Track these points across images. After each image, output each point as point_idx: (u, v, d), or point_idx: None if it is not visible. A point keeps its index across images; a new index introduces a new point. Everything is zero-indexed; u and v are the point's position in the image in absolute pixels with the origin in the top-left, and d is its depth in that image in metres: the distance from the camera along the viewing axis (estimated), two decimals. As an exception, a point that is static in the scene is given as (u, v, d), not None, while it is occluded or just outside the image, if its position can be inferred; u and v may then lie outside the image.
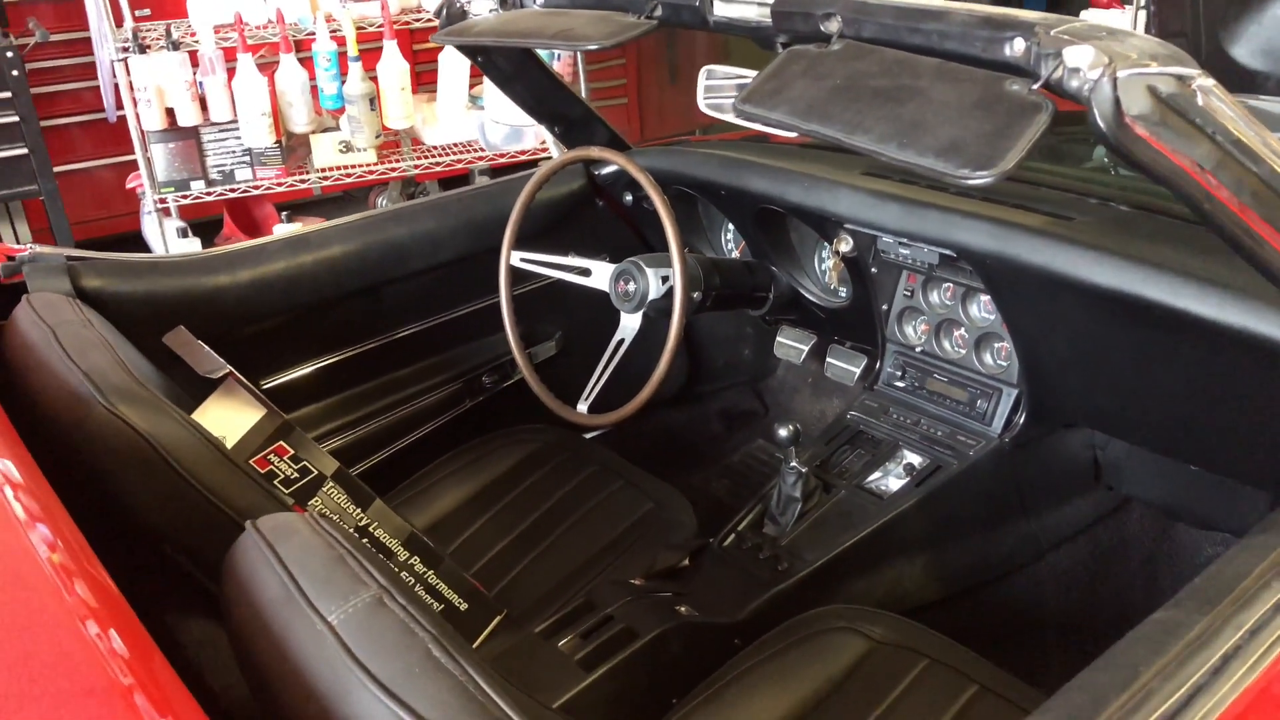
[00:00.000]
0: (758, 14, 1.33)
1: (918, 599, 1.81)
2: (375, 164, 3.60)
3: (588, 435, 2.24)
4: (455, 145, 3.75)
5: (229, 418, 1.47)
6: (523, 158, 3.74)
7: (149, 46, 3.29)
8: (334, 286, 1.95)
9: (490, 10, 1.70)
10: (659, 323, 1.83)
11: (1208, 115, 0.94)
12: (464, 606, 1.62)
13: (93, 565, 0.90)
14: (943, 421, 1.91)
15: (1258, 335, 1.30)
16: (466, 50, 1.82)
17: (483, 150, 3.73)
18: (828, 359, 2.15)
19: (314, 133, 3.52)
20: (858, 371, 2.08)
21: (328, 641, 0.80)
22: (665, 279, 1.81)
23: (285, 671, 0.82)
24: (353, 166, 3.57)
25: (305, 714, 0.79)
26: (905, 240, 1.84)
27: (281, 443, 1.49)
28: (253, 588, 0.89)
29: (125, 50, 3.28)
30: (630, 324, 1.86)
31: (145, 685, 0.76)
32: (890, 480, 1.85)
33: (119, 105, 3.42)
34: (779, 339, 2.28)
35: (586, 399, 1.86)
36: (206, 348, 1.52)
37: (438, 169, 3.75)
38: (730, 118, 1.66)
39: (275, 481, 1.46)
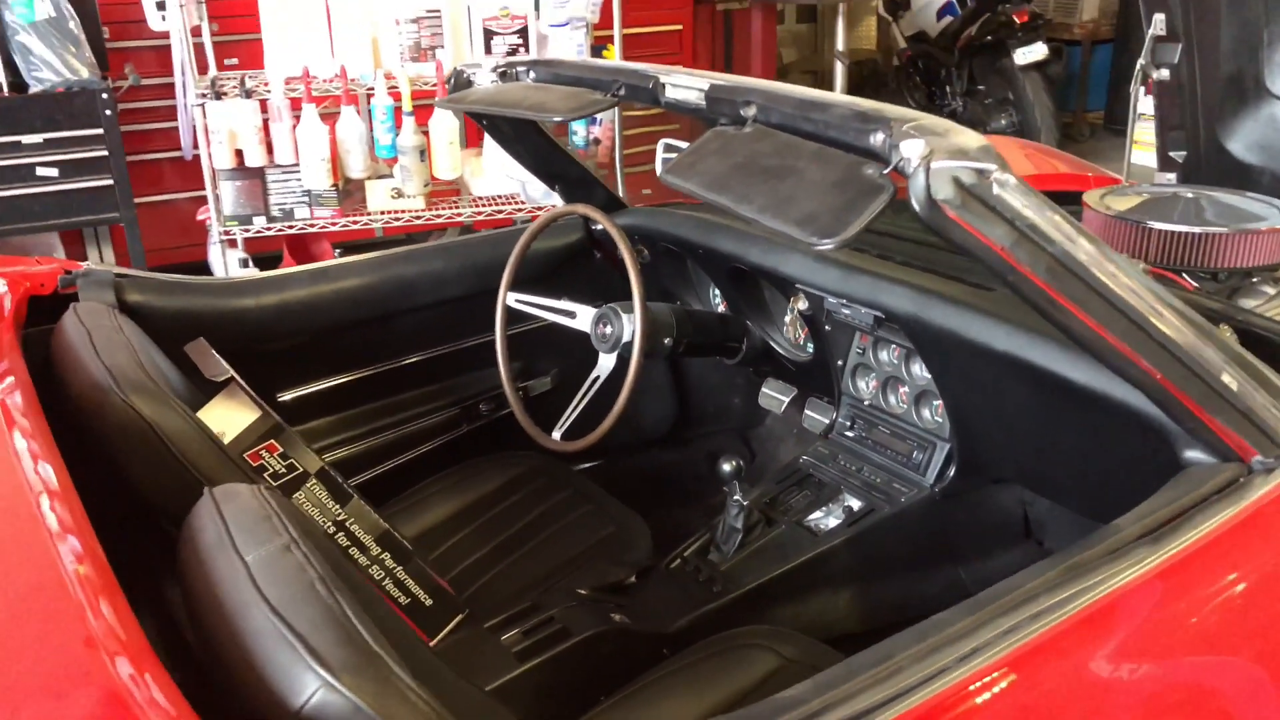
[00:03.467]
0: (697, 97, 1.56)
1: (841, 628, 1.96)
2: (423, 210, 3.88)
3: (578, 467, 2.44)
4: (499, 197, 4.03)
5: (229, 416, 1.70)
6: (560, 211, 3.99)
7: (225, 94, 3.65)
8: (348, 314, 2.19)
9: (491, 82, 1.95)
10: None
11: (1003, 202, 1.13)
12: (429, 602, 1.82)
13: (86, 535, 1.12)
14: (883, 470, 2.07)
15: (1114, 399, 1.46)
16: (468, 115, 2.07)
17: (524, 203, 4.01)
18: (805, 410, 2.31)
19: (369, 178, 3.82)
20: (827, 423, 2.25)
21: (241, 574, 1.01)
22: None
23: (208, 597, 1.03)
24: (402, 211, 3.86)
25: (218, 628, 1.00)
26: (845, 301, 2.03)
27: (272, 440, 1.71)
28: (198, 537, 1.11)
29: (204, 96, 3.63)
30: (606, 363, 2.05)
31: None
32: (829, 520, 2.01)
33: (195, 145, 3.77)
34: (763, 389, 2.45)
35: (561, 428, 2.07)
36: (216, 355, 1.76)
37: (479, 218, 4.03)
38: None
39: (265, 474, 1.69)
